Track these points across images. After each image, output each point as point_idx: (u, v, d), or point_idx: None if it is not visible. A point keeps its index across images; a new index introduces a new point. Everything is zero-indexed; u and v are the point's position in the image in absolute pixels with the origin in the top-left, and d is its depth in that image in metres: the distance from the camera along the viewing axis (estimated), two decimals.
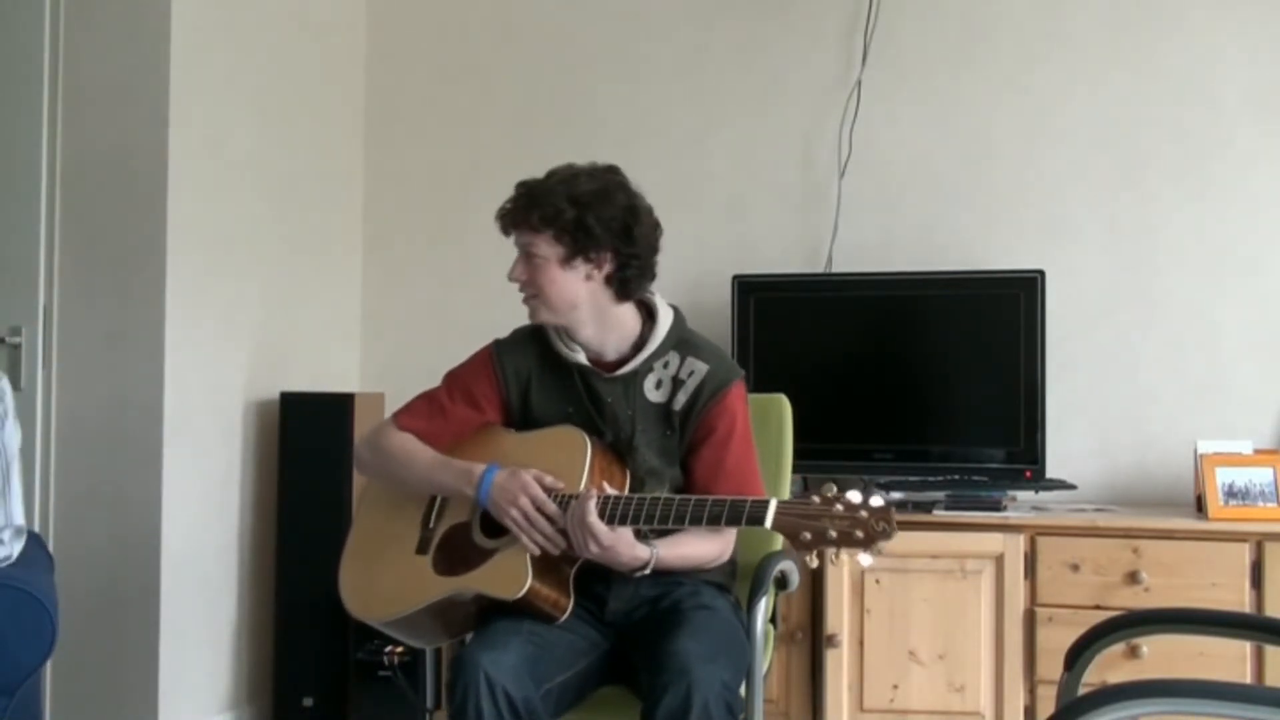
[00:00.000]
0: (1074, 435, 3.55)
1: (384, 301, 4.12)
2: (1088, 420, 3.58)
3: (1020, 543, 3.17)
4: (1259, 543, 3.07)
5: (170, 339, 3.25)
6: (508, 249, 2.39)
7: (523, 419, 2.42)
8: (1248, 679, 3.03)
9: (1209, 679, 1.52)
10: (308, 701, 3.51)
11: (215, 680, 3.49)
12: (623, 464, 2.34)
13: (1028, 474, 3.36)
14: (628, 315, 2.39)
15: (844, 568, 3.20)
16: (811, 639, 3.27)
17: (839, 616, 3.21)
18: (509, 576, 2.23)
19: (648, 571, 2.25)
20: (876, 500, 2.06)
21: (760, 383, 3.16)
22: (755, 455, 2.40)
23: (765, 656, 2.45)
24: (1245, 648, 3.02)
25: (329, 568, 2.52)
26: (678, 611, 2.26)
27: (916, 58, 3.76)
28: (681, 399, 2.36)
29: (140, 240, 3.26)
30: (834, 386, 3.56)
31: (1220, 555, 3.09)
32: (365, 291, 4.13)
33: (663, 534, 2.26)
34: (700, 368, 2.37)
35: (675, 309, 2.44)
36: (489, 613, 2.28)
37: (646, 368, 2.38)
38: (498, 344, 2.47)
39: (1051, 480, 3.37)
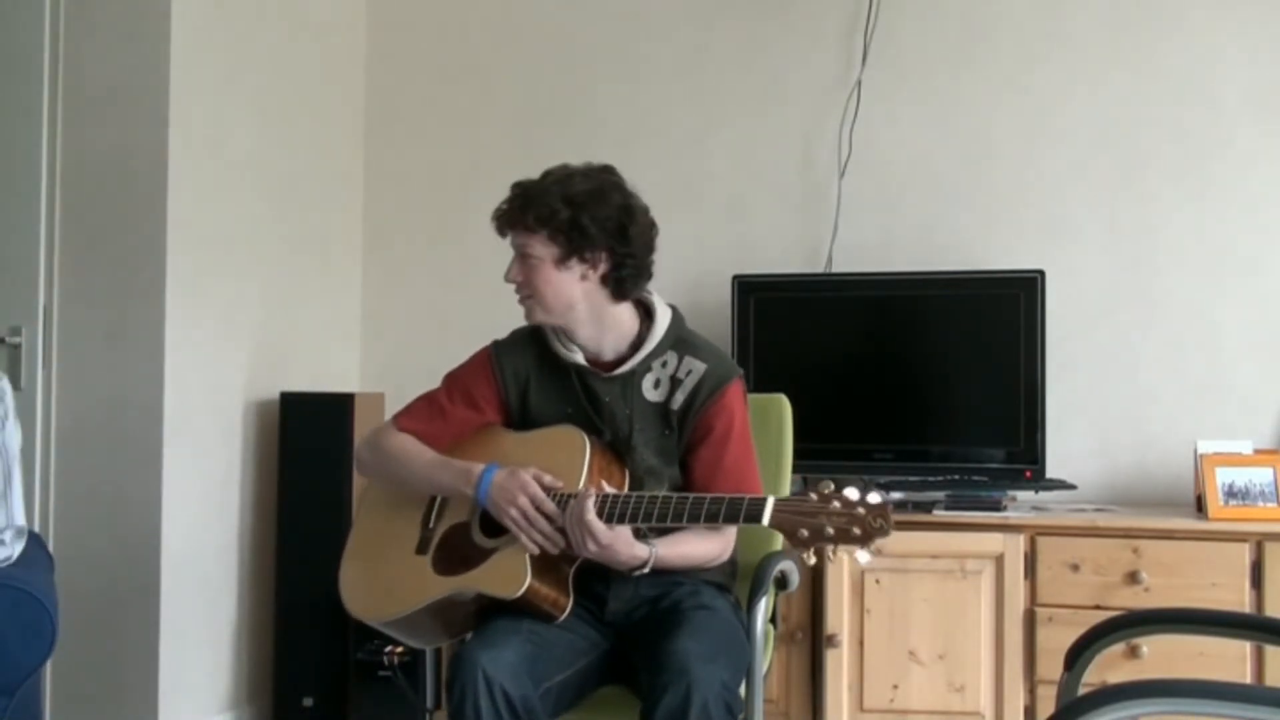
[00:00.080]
0: (1074, 435, 3.55)
1: (384, 301, 4.12)
2: (1088, 420, 3.58)
3: (1020, 543, 3.17)
4: (1259, 543, 3.07)
5: (170, 339, 3.25)
6: (507, 249, 2.40)
7: (522, 419, 2.42)
8: (1248, 679, 3.03)
9: (1209, 679, 1.52)
10: (308, 701, 3.51)
11: (215, 680, 3.49)
12: (621, 463, 2.34)
13: (1028, 474, 3.36)
14: (625, 315, 2.39)
15: (844, 567, 3.20)
16: (811, 639, 3.27)
17: (839, 616, 3.21)
18: (508, 575, 2.23)
19: (647, 570, 2.25)
20: (874, 497, 2.06)
21: (760, 383, 3.16)
22: (754, 454, 2.40)
23: (765, 656, 2.45)
24: (1245, 648, 3.02)
25: (329, 568, 2.52)
26: (677, 611, 2.26)
27: (916, 58, 3.76)
28: (680, 398, 2.36)
29: (140, 240, 3.26)
30: (834, 386, 3.56)
31: (1220, 555, 3.09)
32: (365, 291, 4.13)
33: (662, 533, 2.26)
34: (698, 367, 2.37)
35: (673, 308, 2.44)
36: (489, 612, 2.28)
37: (644, 367, 2.38)
38: (496, 345, 2.47)
39: (1051, 480, 3.37)
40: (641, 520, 2.19)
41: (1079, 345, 3.59)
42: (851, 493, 2.06)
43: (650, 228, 2.38)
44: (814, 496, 2.08)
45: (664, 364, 2.38)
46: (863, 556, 2.05)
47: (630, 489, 2.29)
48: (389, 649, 3.39)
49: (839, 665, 3.21)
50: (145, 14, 3.27)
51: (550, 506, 2.24)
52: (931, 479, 3.40)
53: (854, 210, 3.74)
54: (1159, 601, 3.05)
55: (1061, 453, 3.48)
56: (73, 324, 3.28)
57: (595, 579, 2.31)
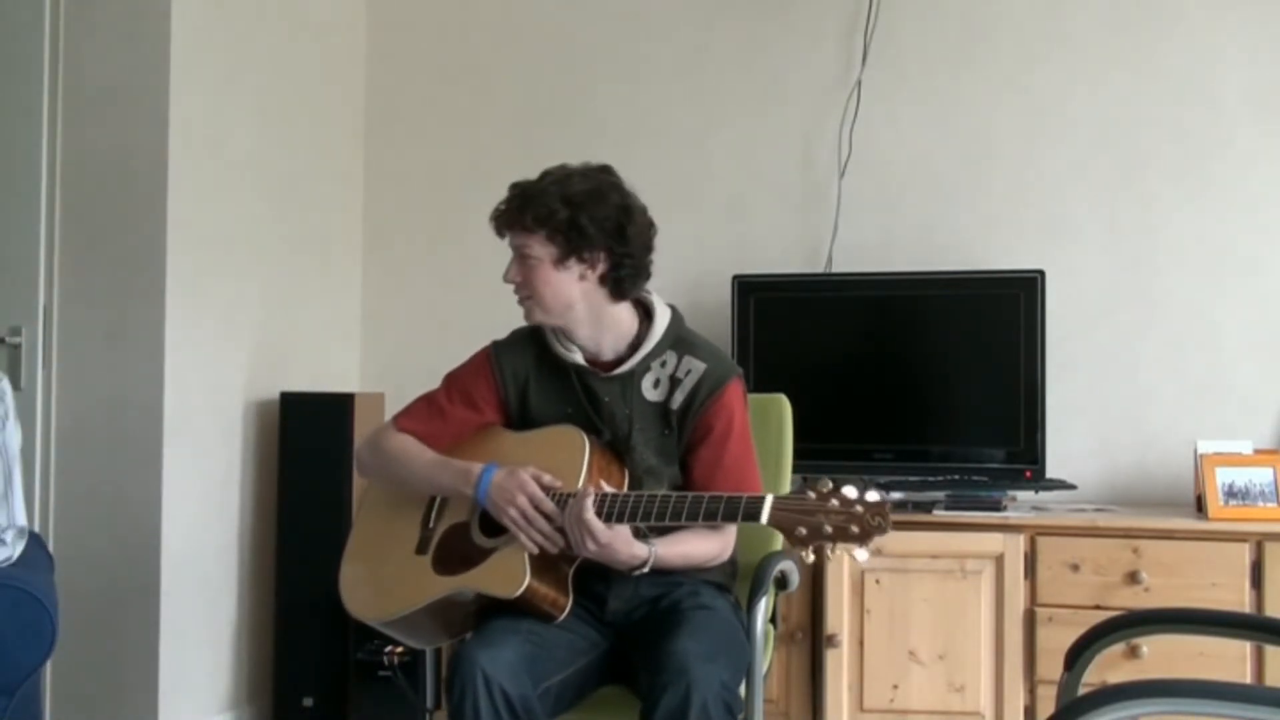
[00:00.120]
0: (1074, 435, 3.55)
1: (384, 301, 4.12)
2: (1088, 420, 3.58)
3: (1020, 543, 3.17)
4: (1259, 543, 3.07)
5: (170, 339, 3.25)
6: (507, 249, 2.39)
7: (521, 419, 2.42)
8: (1248, 679, 3.03)
9: (1209, 679, 1.51)
10: (308, 701, 3.51)
11: (215, 680, 3.49)
12: (621, 463, 2.34)
13: (1028, 474, 3.36)
14: (624, 315, 2.39)
15: (844, 567, 3.20)
16: (811, 639, 3.27)
17: (839, 616, 3.21)
18: (507, 575, 2.23)
19: (646, 570, 2.25)
20: (872, 496, 2.06)
21: (760, 383, 3.16)
22: (754, 453, 2.40)
23: (765, 656, 2.45)
24: (1245, 648, 3.02)
25: (329, 568, 2.52)
26: (677, 611, 2.26)
27: (916, 58, 3.76)
28: (679, 398, 2.36)
29: (140, 240, 3.26)
30: (834, 386, 3.56)
31: (1220, 555, 3.09)
32: (365, 291, 4.14)
33: (662, 532, 2.26)
34: (698, 366, 2.37)
35: (673, 308, 2.44)
36: (489, 612, 2.28)
37: (644, 367, 2.38)
38: (496, 345, 2.47)
39: (1051, 480, 3.37)
40: (640, 519, 2.19)
41: (1079, 345, 3.59)
42: (850, 491, 2.07)
43: (648, 227, 2.38)
44: (812, 495, 2.08)
45: (663, 363, 2.38)
46: (861, 555, 2.06)
47: (630, 489, 2.29)
48: (389, 649, 3.39)
49: (839, 665, 3.21)
50: (145, 14, 3.27)
51: (549, 506, 2.24)
52: (931, 479, 3.40)
53: (854, 210, 3.74)
54: (1159, 601, 3.05)
55: (1061, 453, 3.48)
56: (73, 324, 3.28)
57: (595, 579, 2.31)
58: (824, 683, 3.21)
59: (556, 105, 4.00)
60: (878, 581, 3.21)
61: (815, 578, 3.22)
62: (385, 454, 2.44)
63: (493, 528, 2.31)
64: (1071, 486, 3.38)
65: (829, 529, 2.05)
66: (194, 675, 3.39)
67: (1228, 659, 3.00)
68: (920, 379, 3.55)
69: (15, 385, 3.10)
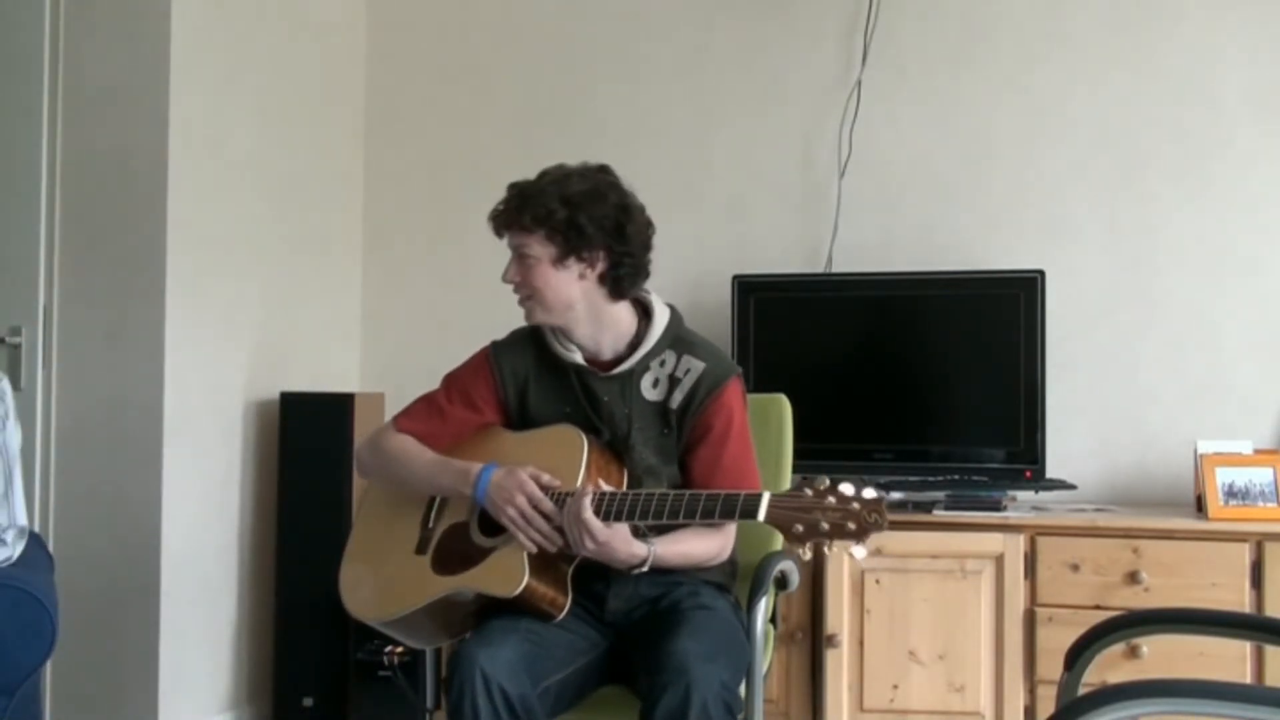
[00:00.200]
0: (1074, 435, 3.55)
1: (384, 301, 4.12)
2: (1088, 420, 3.58)
3: (1020, 543, 3.17)
4: (1259, 543, 3.07)
5: (170, 339, 3.25)
6: (507, 249, 2.39)
7: (520, 419, 2.42)
8: (1248, 679, 3.03)
9: (1209, 679, 1.51)
10: (308, 701, 3.51)
11: (215, 680, 3.49)
12: (620, 462, 2.34)
13: (1028, 474, 3.36)
14: (623, 314, 2.40)
15: (844, 567, 3.20)
16: (811, 639, 3.27)
17: (839, 616, 3.21)
18: (506, 574, 2.24)
19: (645, 569, 2.25)
20: (869, 493, 2.06)
21: (760, 383, 3.16)
22: (753, 452, 2.40)
23: (765, 656, 2.45)
24: (1245, 648, 3.02)
25: (329, 568, 2.52)
26: (677, 611, 2.26)
27: (916, 58, 3.76)
28: (678, 397, 2.36)
29: (140, 240, 3.26)
30: (834, 386, 3.56)
31: (1220, 555, 3.09)
32: (365, 291, 4.14)
33: (661, 531, 2.26)
34: (696, 366, 2.37)
35: (671, 308, 2.44)
36: (489, 612, 2.28)
37: (643, 366, 2.38)
38: (495, 345, 2.47)
39: (1051, 480, 3.37)
40: (639, 518, 2.19)
41: (1079, 345, 3.59)
42: (847, 488, 2.07)
43: (647, 226, 2.38)
44: (809, 492, 2.08)
45: (662, 363, 2.38)
46: (859, 552, 2.06)
47: (629, 488, 2.29)
48: (389, 649, 3.39)
49: (839, 665, 3.21)
50: (145, 14, 3.27)
51: (548, 505, 2.24)
52: (931, 479, 3.40)
53: (854, 210, 3.74)
54: (1159, 601, 3.05)
55: (1061, 453, 3.48)
56: (73, 324, 3.28)
57: (595, 578, 2.32)
58: (824, 683, 3.21)
59: (556, 105, 4.00)
60: (878, 581, 3.21)
61: (815, 578, 3.22)
62: (385, 454, 2.44)
63: (492, 527, 2.31)
64: (1071, 486, 3.38)
65: (826, 526, 2.06)
66: (194, 675, 3.39)
67: (1228, 659, 3.00)
68: (920, 379, 3.55)
69: (15, 385, 3.10)
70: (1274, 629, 2.25)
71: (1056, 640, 3.01)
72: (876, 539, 2.07)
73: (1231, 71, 3.57)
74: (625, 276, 2.35)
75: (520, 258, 2.35)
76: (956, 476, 3.40)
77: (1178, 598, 3.03)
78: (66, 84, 3.28)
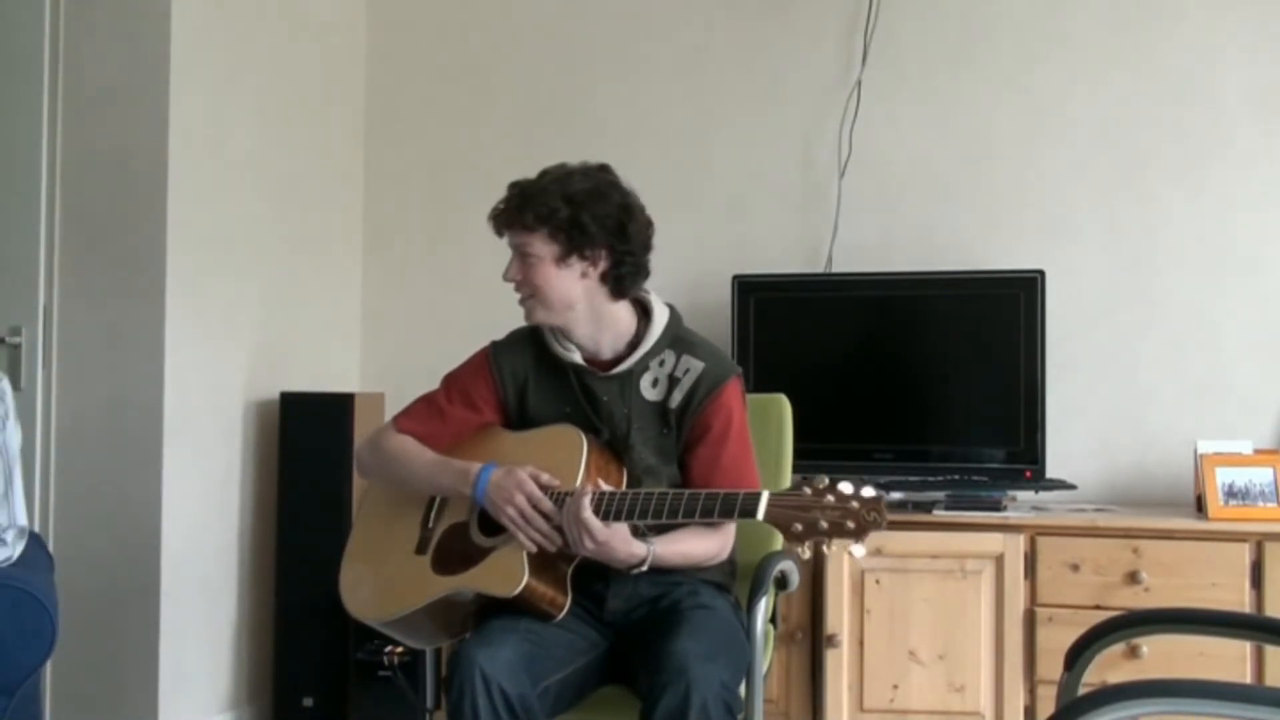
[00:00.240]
0: (1074, 435, 3.55)
1: (384, 301, 4.12)
2: (1088, 420, 3.58)
3: (1020, 543, 3.17)
4: (1259, 543, 3.07)
5: (170, 339, 3.25)
6: (507, 249, 2.39)
7: (520, 419, 2.42)
8: (1248, 679, 3.03)
9: (1209, 679, 1.51)
10: (308, 701, 3.51)
11: (215, 680, 3.49)
12: (619, 462, 2.34)
13: (1028, 474, 3.36)
14: (623, 314, 2.40)
15: (844, 568, 3.20)
16: (811, 639, 3.27)
17: (839, 616, 3.21)
18: (506, 574, 2.24)
19: (645, 568, 2.25)
20: (868, 491, 2.06)
21: (760, 383, 3.16)
22: (752, 452, 2.40)
23: (765, 656, 2.45)
24: (1245, 648, 3.02)
25: (329, 568, 2.52)
26: (677, 611, 2.26)
27: (916, 58, 3.76)
28: (678, 397, 2.36)
29: (140, 240, 3.26)
30: (834, 386, 3.56)
31: (1220, 555, 3.09)
32: (365, 291, 4.14)
33: (660, 531, 2.26)
34: (696, 365, 2.37)
35: (671, 307, 2.45)
36: (488, 612, 2.28)
37: (642, 366, 2.38)
38: (494, 345, 2.47)
39: (1051, 480, 3.37)
40: (638, 517, 2.19)
41: (1079, 345, 3.59)
42: (845, 486, 2.07)
43: (648, 226, 2.38)
44: (808, 491, 2.08)
45: (661, 363, 2.38)
46: (858, 550, 2.06)
47: (628, 488, 2.29)
48: (389, 649, 3.39)
49: (839, 665, 3.21)
50: (145, 14, 3.27)
51: (547, 505, 2.24)
52: (931, 479, 3.40)
53: (854, 210, 3.74)
54: (1159, 601, 3.05)
55: (1061, 453, 3.48)
56: (73, 324, 3.28)
57: (595, 578, 2.32)
58: (824, 683, 3.21)
59: (556, 105, 4.00)
60: (878, 581, 3.21)
61: (815, 578, 3.22)
62: (385, 454, 2.44)
63: (492, 527, 2.31)
64: (1071, 486, 3.38)
65: (825, 524, 2.06)
66: (194, 675, 3.39)
67: (1228, 659, 3.00)
68: (920, 379, 3.55)
69: (15, 385, 3.10)
70: (1274, 629, 2.25)
71: (1056, 640, 3.01)
72: (877, 539, 2.07)
73: (1231, 71, 3.57)
74: (627, 275, 2.35)
75: (522, 256, 2.34)
76: (956, 476, 3.40)
77: (1178, 598, 3.03)
78: (66, 84, 3.28)
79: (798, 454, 2.67)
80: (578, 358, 2.38)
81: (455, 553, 2.33)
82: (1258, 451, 3.30)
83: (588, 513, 2.17)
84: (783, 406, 2.68)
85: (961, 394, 3.53)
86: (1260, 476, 3.18)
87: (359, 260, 4.13)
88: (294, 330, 3.80)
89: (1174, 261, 3.59)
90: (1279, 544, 3.06)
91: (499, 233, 2.38)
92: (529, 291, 2.35)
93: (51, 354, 3.28)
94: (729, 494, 2.17)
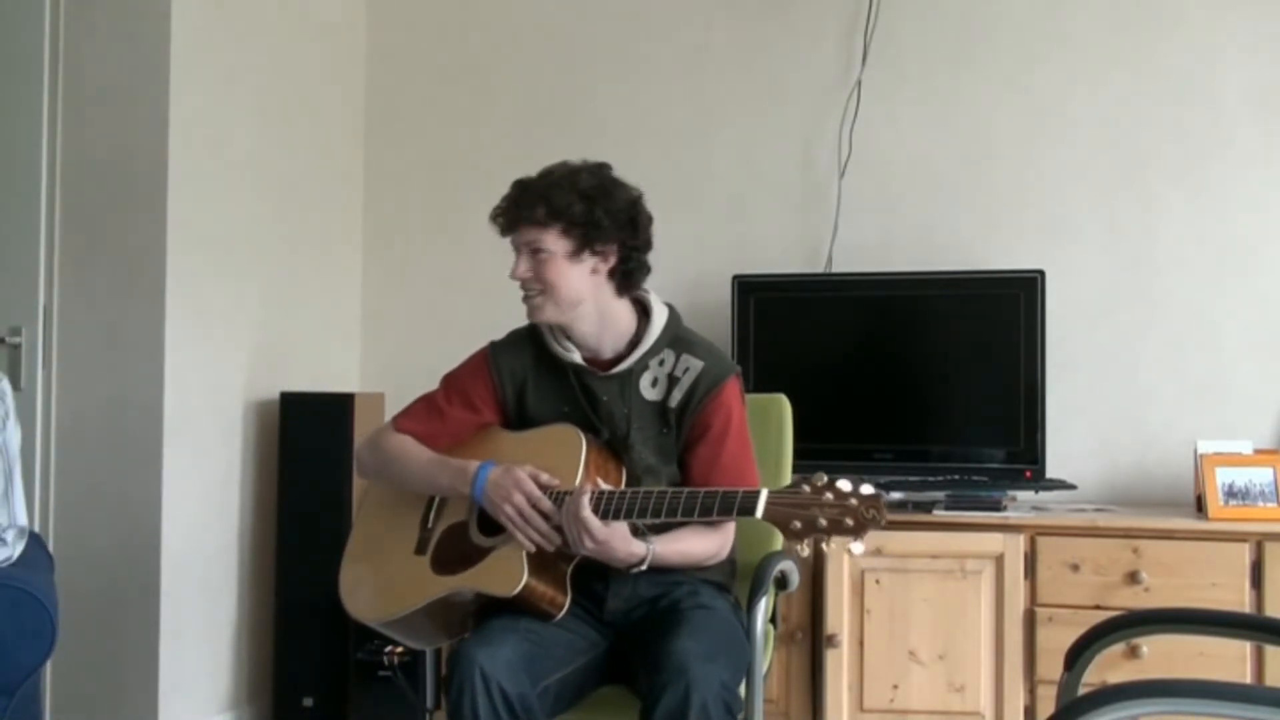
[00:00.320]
0: (1074, 435, 3.55)
1: (384, 301, 4.12)
2: (1088, 420, 3.58)
3: (1020, 543, 3.17)
4: (1259, 543, 3.07)
5: (170, 339, 3.25)
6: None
7: (519, 419, 2.42)
8: (1248, 679, 3.03)
9: (1209, 679, 1.51)
10: (308, 701, 3.51)
11: (215, 680, 3.49)
12: (619, 461, 2.34)
13: (1028, 474, 3.36)
14: (624, 312, 2.40)
15: (844, 568, 3.20)
16: (811, 639, 3.27)
17: (839, 616, 3.21)
18: (505, 573, 2.24)
19: (644, 567, 2.25)
20: (866, 489, 2.06)
21: (760, 383, 3.16)
22: (752, 451, 2.41)
23: (765, 656, 2.45)
24: (1245, 648, 3.02)
25: (329, 568, 2.53)
26: (676, 611, 2.26)
27: (916, 58, 3.76)
28: (677, 396, 2.36)
29: (140, 240, 3.26)
30: (834, 386, 3.56)
31: (1220, 555, 3.09)
32: (365, 291, 4.14)
33: (660, 530, 2.26)
34: (695, 364, 2.37)
35: (670, 307, 2.45)
36: (488, 612, 2.28)
37: (642, 366, 2.38)
38: (493, 345, 2.47)
39: (1051, 480, 3.37)
40: (637, 515, 2.19)
41: (1079, 345, 3.59)
42: (844, 484, 2.07)
43: (651, 221, 2.40)
44: (807, 489, 2.08)
45: (661, 362, 2.38)
46: (857, 548, 2.06)
47: (628, 487, 2.29)
48: (389, 649, 3.39)
49: (839, 665, 3.21)
50: (145, 14, 3.27)
51: (546, 504, 2.24)
52: (931, 479, 3.40)
53: (854, 210, 3.74)
54: (1159, 601, 3.05)
55: (1061, 453, 3.48)
56: (73, 324, 3.28)
57: (594, 578, 2.32)
58: (824, 683, 3.21)
59: (556, 105, 4.00)
60: (878, 581, 3.21)
61: (815, 578, 3.22)
62: (384, 454, 2.44)
63: (491, 527, 2.31)
64: (1071, 486, 3.38)
65: (824, 522, 2.05)
66: (194, 675, 3.39)
67: (1228, 659, 3.00)
68: (920, 379, 3.55)
69: (15, 385, 3.10)
70: (1274, 629, 2.25)
71: (1056, 640, 3.01)
72: (876, 539, 2.08)
73: (1231, 71, 3.57)
74: (634, 270, 2.36)
75: (533, 253, 2.33)
76: (956, 476, 3.40)
77: (1178, 598, 3.03)
78: (66, 84, 3.28)
79: (798, 454, 2.67)
80: (577, 357, 2.38)
81: (455, 553, 2.33)
82: (1258, 451, 3.30)
83: (587, 511, 2.17)
84: (783, 406, 2.68)
85: (961, 394, 3.53)
86: (1260, 476, 3.18)
87: (359, 260, 4.13)
88: (294, 330, 3.80)
89: (1174, 261, 3.59)
90: (1279, 544, 3.06)
91: (505, 231, 2.37)
92: (539, 288, 2.34)
93: (51, 354, 3.28)
94: (728, 492, 2.16)
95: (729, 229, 3.85)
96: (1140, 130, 3.62)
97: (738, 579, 2.46)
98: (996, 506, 3.27)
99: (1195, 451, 3.29)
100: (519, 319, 2.45)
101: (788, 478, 2.63)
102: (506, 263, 2.38)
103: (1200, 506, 3.24)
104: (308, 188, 3.86)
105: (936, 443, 3.50)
